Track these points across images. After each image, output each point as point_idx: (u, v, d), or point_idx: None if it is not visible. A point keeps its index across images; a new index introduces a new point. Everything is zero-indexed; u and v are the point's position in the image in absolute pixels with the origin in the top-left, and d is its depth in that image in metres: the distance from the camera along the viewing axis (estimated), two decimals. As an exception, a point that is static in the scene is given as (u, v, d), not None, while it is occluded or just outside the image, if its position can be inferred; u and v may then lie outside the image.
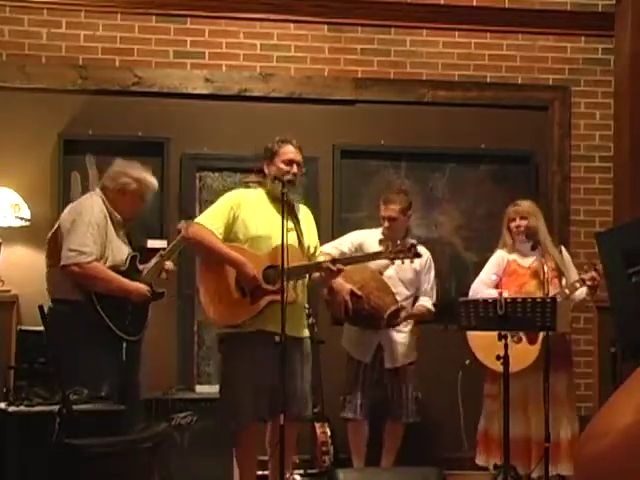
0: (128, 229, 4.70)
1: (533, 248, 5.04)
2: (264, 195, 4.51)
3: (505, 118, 6.03)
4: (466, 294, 5.03)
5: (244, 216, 4.39)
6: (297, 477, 5.19)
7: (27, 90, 5.58)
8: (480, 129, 6.01)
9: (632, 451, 0.86)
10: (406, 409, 5.09)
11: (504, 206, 5.23)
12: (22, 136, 5.57)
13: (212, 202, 5.51)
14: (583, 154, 6.14)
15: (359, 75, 5.92)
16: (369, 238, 5.13)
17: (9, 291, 5.42)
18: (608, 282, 4.23)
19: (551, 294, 4.65)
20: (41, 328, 3.84)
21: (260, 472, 4.71)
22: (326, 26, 5.90)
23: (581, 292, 4.97)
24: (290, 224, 4.37)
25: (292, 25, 5.86)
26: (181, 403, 4.95)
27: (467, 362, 4.94)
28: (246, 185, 5.66)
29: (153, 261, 4.70)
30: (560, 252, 5.12)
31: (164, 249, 4.88)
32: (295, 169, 4.44)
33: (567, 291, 4.92)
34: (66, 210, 4.60)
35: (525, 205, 5.11)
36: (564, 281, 5.02)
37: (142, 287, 4.53)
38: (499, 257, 5.15)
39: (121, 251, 4.54)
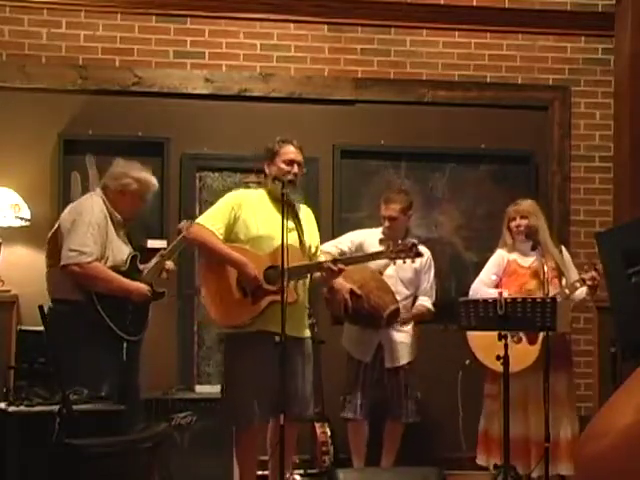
0: (128, 229, 4.70)
1: (533, 248, 5.04)
2: (265, 195, 4.51)
3: (505, 118, 6.03)
4: (466, 294, 5.03)
5: (245, 216, 4.40)
6: (297, 477, 5.19)
7: (27, 90, 5.58)
8: (480, 129, 6.01)
9: (632, 451, 0.86)
10: (405, 409, 5.09)
11: (504, 206, 5.23)
12: (22, 136, 5.57)
13: (212, 202, 5.52)
14: (583, 154, 6.14)
15: (359, 75, 5.92)
16: (369, 237, 5.13)
17: (9, 291, 5.42)
18: (608, 282, 4.24)
19: (551, 294, 4.65)
20: (41, 328, 3.84)
21: (260, 472, 4.72)
22: (326, 26, 5.90)
23: (581, 292, 4.97)
24: (291, 224, 4.37)
25: (292, 25, 5.86)
26: (181, 403, 4.95)
27: (467, 362, 4.94)
28: (246, 185, 5.67)
29: (153, 261, 4.70)
30: (560, 252, 5.12)
31: (164, 249, 4.88)
32: (296, 169, 4.44)
33: (567, 291, 4.92)
34: (66, 210, 4.60)
35: (526, 204, 5.11)
36: (564, 281, 5.02)
37: (143, 287, 4.53)
38: (499, 257, 5.15)
39: (121, 251, 4.54)
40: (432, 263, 5.24)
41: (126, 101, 5.68)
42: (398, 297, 5.01)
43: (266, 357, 4.17)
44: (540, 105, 6.11)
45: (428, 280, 5.21)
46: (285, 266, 4.06)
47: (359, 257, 4.76)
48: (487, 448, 4.99)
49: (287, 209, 4.24)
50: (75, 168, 5.61)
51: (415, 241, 4.55)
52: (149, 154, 5.48)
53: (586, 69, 6.16)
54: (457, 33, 6.03)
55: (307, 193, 5.57)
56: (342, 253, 4.99)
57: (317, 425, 5.25)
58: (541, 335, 4.75)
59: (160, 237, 5.51)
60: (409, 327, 5.14)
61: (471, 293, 5.07)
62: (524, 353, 4.78)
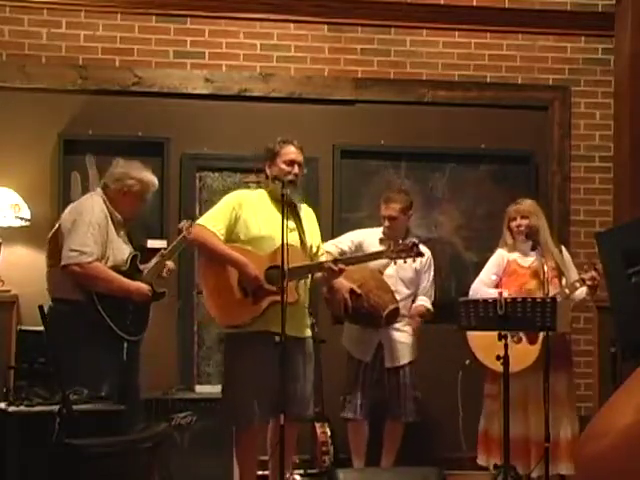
0: (129, 229, 4.70)
1: (533, 248, 5.04)
2: (266, 196, 4.51)
3: (505, 118, 6.03)
4: (466, 294, 5.03)
5: (246, 217, 4.40)
6: (297, 477, 5.19)
7: (27, 90, 5.58)
8: (480, 129, 6.01)
9: (632, 451, 0.86)
10: (405, 408, 5.09)
11: (504, 206, 5.23)
12: (22, 136, 5.57)
13: (212, 202, 5.52)
14: (583, 154, 6.14)
15: (359, 75, 5.92)
16: (369, 237, 5.14)
17: (9, 291, 5.42)
18: (608, 282, 4.24)
19: (551, 294, 4.65)
20: (41, 328, 3.84)
21: (260, 472, 4.72)
22: (326, 26, 5.90)
23: (581, 292, 4.97)
24: (292, 224, 4.38)
25: (292, 25, 5.86)
26: (181, 403, 4.95)
27: (467, 362, 4.94)
28: (246, 185, 5.67)
29: (154, 261, 4.70)
30: (560, 252, 5.12)
31: (164, 249, 4.88)
32: (296, 170, 4.45)
33: (567, 291, 4.92)
34: (67, 210, 4.60)
35: (526, 204, 5.11)
36: (564, 281, 5.02)
37: (143, 287, 4.53)
38: (499, 257, 5.15)
39: (122, 251, 4.54)
40: (432, 263, 5.24)
41: (126, 101, 5.68)
42: (398, 297, 5.01)
43: (266, 357, 4.17)
44: (540, 105, 6.11)
45: (428, 279, 5.22)
46: (286, 266, 4.06)
47: (360, 257, 4.76)
48: (487, 448, 4.99)
49: (288, 209, 4.25)
50: (75, 168, 5.61)
51: (416, 241, 4.55)
52: (149, 154, 5.48)
53: (586, 69, 6.16)
54: (457, 33, 6.03)
55: (307, 193, 5.57)
56: (342, 253, 4.99)
57: (317, 425, 5.25)
58: (541, 335, 4.75)
59: (160, 237, 5.51)
60: (409, 327, 5.14)
61: (471, 293, 5.07)
62: (524, 353, 4.78)
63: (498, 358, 4.32)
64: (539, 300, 4.39)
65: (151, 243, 5.35)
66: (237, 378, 4.36)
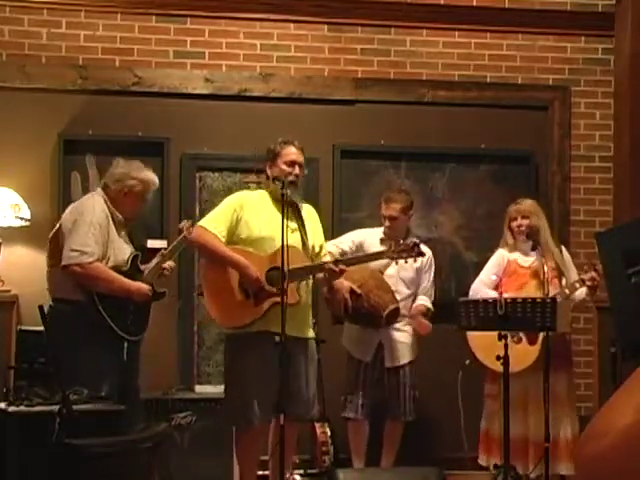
0: (130, 229, 4.70)
1: (533, 248, 5.04)
2: (266, 196, 4.51)
3: (505, 118, 6.03)
4: (466, 294, 5.03)
5: (247, 218, 4.40)
6: (297, 477, 5.19)
7: (27, 90, 5.58)
8: (480, 129, 6.01)
9: (632, 451, 0.86)
10: (405, 408, 5.09)
11: (504, 206, 5.23)
12: (22, 136, 5.57)
13: (212, 202, 5.53)
14: (583, 154, 6.14)
15: (359, 75, 5.92)
16: (370, 237, 5.14)
17: (9, 291, 5.42)
18: (608, 282, 4.24)
19: (551, 294, 4.65)
20: (41, 328, 3.84)
21: (260, 472, 4.72)
22: (326, 26, 5.90)
23: (581, 292, 4.97)
24: (294, 224, 4.38)
25: (292, 25, 5.86)
26: (181, 403, 4.95)
27: (467, 362, 4.94)
28: (246, 185, 5.67)
29: (154, 261, 4.70)
30: (560, 252, 5.12)
31: (165, 249, 4.89)
32: (297, 170, 4.45)
33: (567, 291, 4.92)
34: (67, 210, 4.60)
35: (527, 204, 5.10)
36: (564, 281, 5.02)
37: (144, 287, 4.53)
38: (499, 257, 5.14)
39: (123, 251, 4.54)
40: (433, 262, 5.24)
41: (126, 101, 5.68)
42: (399, 296, 5.01)
43: (267, 357, 4.17)
44: (540, 105, 6.11)
45: (428, 279, 5.22)
46: (286, 267, 4.06)
47: (360, 257, 4.76)
48: (487, 448, 4.99)
49: (290, 209, 4.25)
50: (75, 168, 5.61)
51: (417, 240, 4.55)
52: (149, 154, 5.47)
53: (586, 69, 6.16)
54: (457, 33, 6.03)
55: (307, 193, 5.58)
56: (343, 253, 5.00)
57: (317, 425, 5.25)
58: (541, 335, 4.75)
59: (160, 237, 5.51)
60: (409, 326, 5.14)
61: (471, 293, 5.07)
62: (524, 353, 4.78)
63: (498, 358, 4.32)
64: (539, 300, 4.39)
65: (151, 243, 5.35)
66: (237, 378, 4.36)
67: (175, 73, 5.74)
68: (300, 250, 4.37)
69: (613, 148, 6.08)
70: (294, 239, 4.32)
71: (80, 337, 4.28)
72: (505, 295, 4.50)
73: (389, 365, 5.07)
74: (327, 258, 4.57)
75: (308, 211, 4.59)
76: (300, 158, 4.48)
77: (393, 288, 5.00)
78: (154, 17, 5.74)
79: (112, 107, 5.67)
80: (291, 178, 4.38)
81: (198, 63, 5.76)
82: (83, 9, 5.65)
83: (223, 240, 4.36)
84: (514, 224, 5.09)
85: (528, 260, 5.07)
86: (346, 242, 5.16)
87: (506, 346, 4.30)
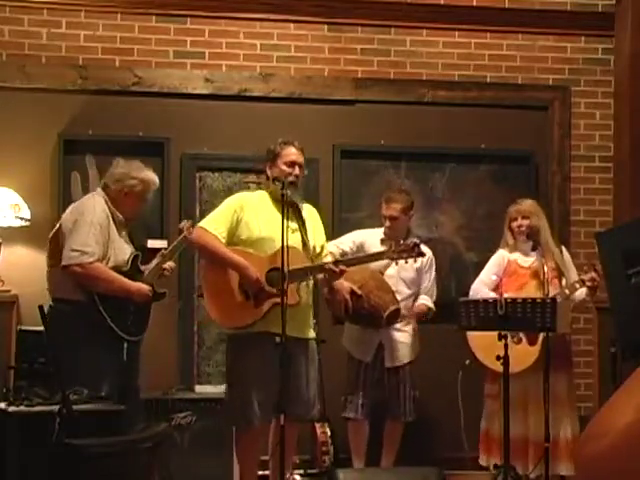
0: (130, 229, 4.70)
1: (533, 248, 5.04)
2: (267, 197, 4.51)
3: (505, 118, 6.03)
4: (466, 294, 5.03)
5: (247, 218, 4.40)
6: (297, 477, 5.19)
7: (27, 90, 5.58)
8: (480, 129, 6.01)
9: (632, 451, 0.86)
10: (405, 408, 5.09)
11: (504, 206, 5.23)
12: (22, 136, 5.57)
13: (212, 202, 5.53)
14: (583, 154, 6.14)
15: (359, 75, 5.92)
16: (370, 237, 5.14)
17: (9, 291, 5.42)
18: (608, 282, 4.24)
19: (551, 294, 4.65)
20: (41, 328, 3.84)
21: (260, 472, 4.72)
22: (326, 26, 5.90)
23: (581, 293, 4.97)
24: (294, 225, 4.38)
25: (292, 25, 5.86)
26: (181, 403, 4.95)
27: (467, 362, 4.94)
28: (246, 185, 5.67)
29: (155, 261, 4.70)
30: (561, 252, 5.12)
31: (165, 249, 4.89)
32: (297, 171, 4.45)
33: (567, 291, 4.92)
34: (68, 210, 4.60)
35: (527, 204, 5.10)
36: (564, 281, 5.02)
37: (144, 287, 4.53)
38: (500, 257, 5.14)
39: (123, 251, 4.54)
40: (434, 262, 5.24)
41: (126, 101, 5.68)
42: (399, 297, 5.01)
43: (267, 357, 4.17)
44: (540, 105, 6.11)
45: (429, 279, 5.22)
46: (286, 268, 4.06)
47: (361, 258, 4.76)
48: (488, 448, 4.99)
49: (290, 209, 4.25)
50: (75, 168, 5.61)
51: (417, 241, 4.55)
52: (149, 154, 5.47)
53: (586, 69, 6.16)
54: (457, 33, 6.03)
55: (307, 193, 5.58)
56: (344, 253, 5.00)
57: (317, 425, 5.25)
58: (541, 336, 4.75)
59: (160, 237, 5.51)
60: (410, 327, 5.14)
61: (471, 293, 5.07)
62: (524, 353, 4.78)
63: (498, 358, 4.32)
64: (539, 301, 4.39)
65: (151, 243, 5.35)
66: (238, 378, 4.37)
67: (175, 73, 5.74)
68: (300, 251, 4.36)
69: (613, 148, 6.08)
70: (294, 239, 4.32)
71: (80, 337, 4.28)
72: (505, 295, 4.50)
73: (389, 365, 5.07)
74: (328, 258, 4.57)
75: (309, 211, 4.59)
76: (300, 158, 4.49)
77: (394, 288, 5.00)
78: (154, 17, 5.74)
79: (112, 107, 5.67)
80: (291, 179, 4.38)
81: (198, 63, 5.76)
82: (83, 9, 5.65)
83: (223, 241, 4.37)
84: (514, 224, 5.09)
85: (528, 260, 5.07)
86: (347, 242, 5.16)
87: (506, 346, 4.30)
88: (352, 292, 4.75)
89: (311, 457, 5.35)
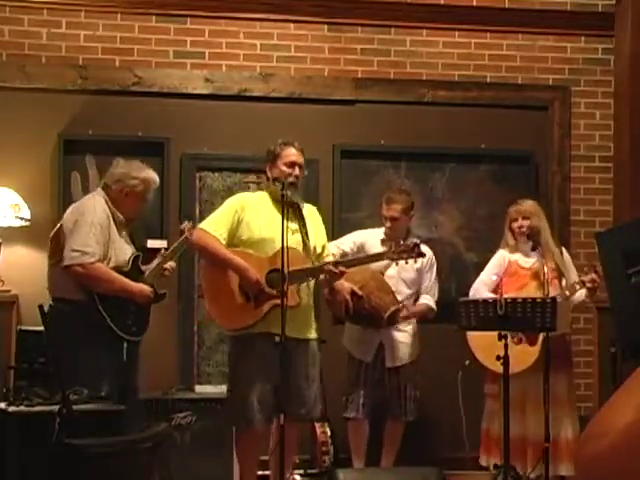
0: (131, 229, 4.70)
1: (533, 248, 5.03)
2: (267, 197, 4.51)
3: (505, 118, 6.03)
4: (466, 294, 5.03)
5: (248, 219, 4.40)
6: (297, 477, 5.19)
7: (27, 90, 5.58)
8: (480, 129, 6.01)
9: (632, 451, 0.86)
10: (405, 408, 5.09)
11: (504, 206, 5.23)
12: (22, 136, 5.57)
13: (212, 202, 5.54)
14: (583, 154, 6.14)
15: (359, 75, 5.92)
16: (371, 238, 5.14)
17: (9, 291, 5.42)
18: (608, 282, 4.24)
19: (551, 295, 4.64)
20: (41, 328, 3.84)
21: (260, 472, 4.72)
22: (326, 26, 5.90)
23: (580, 294, 4.96)
24: (294, 225, 4.38)
25: (292, 25, 5.86)
26: (181, 403, 4.95)
27: (467, 362, 4.94)
28: (246, 185, 5.68)
29: (155, 262, 4.70)
30: (561, 252, 5.12)
31: (165, 249, 4.89)
32: (297, 171, 4.45)
33: (567, 292, 4.91)
34: (69, 210, 4.60)
35: (527, 205, 5.10)
36: (564, 282, 5.01)
37: (146, 289, 4.53)
38: (501, 257, 5.14)
39: (124, 251, 4.53)
40: (434, 262, 5.24)
41: (126, 101, 5.68)
42: (400, 297, 5.01)
43: (268, 358, 4.18)
44: (540, 105, 6.11)
45: (430, 279, 5.21)
46: (286, 270, 4.06)
47: (361, 258, 4.76)
48: (488, 448, 4.99)
49: (290, 210, 4.26)
50: (75, 168, 5.61)
51: (417, 241, 4.56)
52: (149, 154, 5.47)
53: (586, 69, 6.16)
54: (457, 33, 6.03)
55: (307, 193, 5.58)
56: (344, 254, 4.99)
57: (317, 425, 5.25)
58: (541, 336, 4.75)
59: (160, 237, 5.51)
60: (410, 327, 5.14)
61: (471, 293, 5.07)
62: (524, 354, 4.78)
63: (498, 358, 4.32)
64: (539, 300, 4.39)
65: (151, 243, 5.35)
66: (239, 379, 4.37)
67: (175, 73, 5.74)
68: (300, 252, 4.36)
69: (613, 148, 6.08)
70: (295, 240, 4.32)
71: (80, 337, 4.28)
72: (505, 295, 4.50)
73: (390, 365, 5.07)
74: (329, 258, 4.57)
75: (310, 211, 4.59)
76: (300, 159, 4.49)
77: (394, 288, 5.00)
78: (154, 17, 5.74)
79: (112, 107, 5.67)
80: (291, 179, 4.38)
81: (198, 63, 5.76)
82: (83, 9, 5.65)
83: (224, 242, 4.37)
84: (515, 225, 5.08)
85: (529, 261, 5.07)
86: (347, 243, 5.16)
87: (506, 346, 4.30)
88: (353, 293, 4.75)
89: (311, 457, 5.35)
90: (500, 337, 4.29)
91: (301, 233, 4.42)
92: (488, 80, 6.05)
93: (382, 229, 5.15)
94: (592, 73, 6.16)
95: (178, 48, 5.74)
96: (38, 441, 3.62)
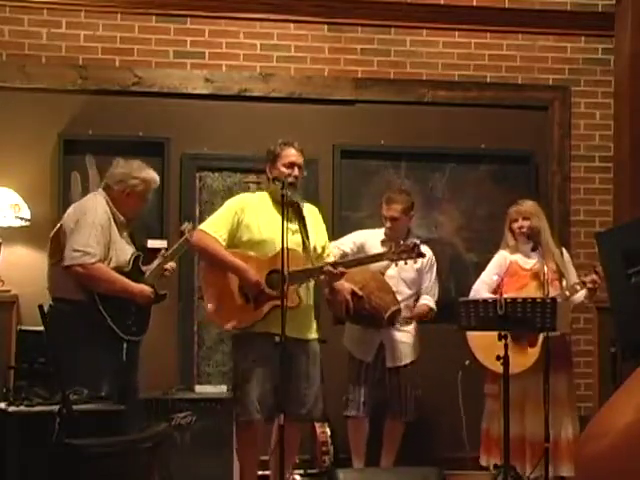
0: (131, 229, 4.70)
1: (534, 248, 5.03)
2: (267, 198, 4.52)
3: (505, 118, 6.03)
4: (466, 295, 5.03)
5: (248, 220, 4.41)
6: (297, 477, 5.19)
7: (27, 90, 5.58)
8: (480, 129, 6.01)
9: (632, 451, 0.86)
10: (405, 408, 5.09)
11: (504, 206, 5.23)
12: (22, 136, 5.57)
13: (212, 202, 5.54)
14: (583, 154, 6.14)
15: (359, 75, 5.92)
16: (371, 238, 5.14)
17: (9, 291, 5.42)
18: (608, 282, 4.23)
19: (551, 296, 4.64)
20: (41, 328, 3.83)
21: (260, 472, 4.72)
22: (326, 26, 5.90)
23: (580, 295, 4.96)
24: (294, 226, 4.38)
25: (292, 25, 5.86)
26: (181, 403, 4.95)
27: (467, 362, 4.94)
28: (246, 185, 5.67)
29: (156, 263, 4.70)
30: (561, 253, 5.11)
31: (166, 249, 4.89)
32: (296, 172, 4.45)
33: (567, 293, 4.91)
34: (69, 210, 4.60)
35: (527, 205, 5.10)
36: (564, 283, 5.01)
37: (146, 289, 4.53)
38: (501, 257, 5.14)
39: (125, 252, 4.53)
40: (434, 262, 5.24)
41: (126, 101, 5.68)
42: (400, 297, 5.01)
43: (268, 357, 4.18)
44: (540, 105, 6.11)
45: (430, 279, 5.21)
46: (286, 271, 4.06)
47: (361, 259, 4.75)
48: (488, 448, 4.99)
49: (291, 210, 4.26)
50: (75, 168, 5.61)
51: (417, 241, 4.56)
52: (149, 154, 5.47)
53: (586, 69, 6.16)
54: (457, 33, 6.03)
55: (307, 193, 5.57)
56: (344, 254, 4.99)
57: (317, 425, 5.25)
58: (541, 337, 4.74)
59: (160, 237, 5.51)
60: (411, 327, 5.14)
61: (472, 293, 5.07)
62: (524, 354, 4.78)
63: (498, 358, 4.32)
64: (539, 301, 4.39)
65: (151, 243, 5.35)
66: (240, 377, 4.38)
67: (175, 73, 5.74)
68: (300, 252, 4.36)
69: (613, 148, 6.08)
70: (294, 240, 4.32)
71: (80, 337, 4.28)
72: (505, 295, 4.50)
73: (390, 365, 5.07)
74: (330, 258, 4.57)
75: (310, 211, 4.59)
76: (299, 159, 4.49)
77: (394, 289, 4.99)
78: (154, 17, 5.74)
79: (112, 107, 5.66)
80: (290, 179, 4.38)
81: (198, 63, 5.76)
82: (83, 9, 5.65)
83: (224, 244, 4.37)
84: (515, 225, 5.08)
85: (529, 262, 5.07)
86: (347, 243, 5.16)
87: (506, 346, 4.30)
88: (353, 293, 4.75)
89: (311, 457, 5.35)
90: (500, 337, 4.29)
91: (301, 233, 4.42)
92: (488, 80, 6.05)
93: (382, 229, 5.15)
94: (592, 73, 6.15)
95: (178, 48, 5.74)
96: (38, 441, 3.62)
